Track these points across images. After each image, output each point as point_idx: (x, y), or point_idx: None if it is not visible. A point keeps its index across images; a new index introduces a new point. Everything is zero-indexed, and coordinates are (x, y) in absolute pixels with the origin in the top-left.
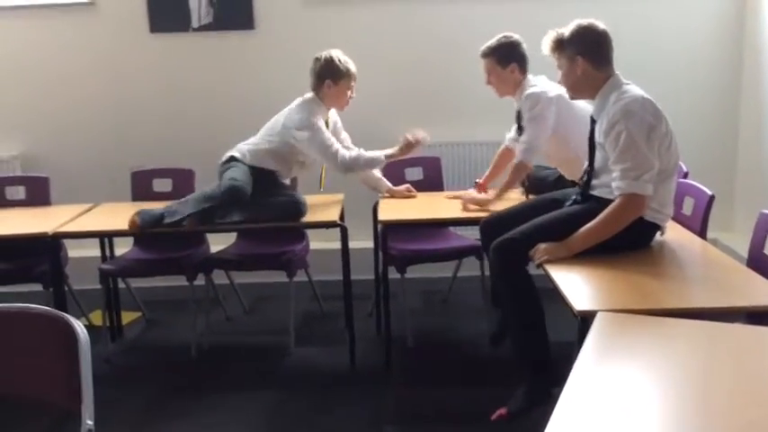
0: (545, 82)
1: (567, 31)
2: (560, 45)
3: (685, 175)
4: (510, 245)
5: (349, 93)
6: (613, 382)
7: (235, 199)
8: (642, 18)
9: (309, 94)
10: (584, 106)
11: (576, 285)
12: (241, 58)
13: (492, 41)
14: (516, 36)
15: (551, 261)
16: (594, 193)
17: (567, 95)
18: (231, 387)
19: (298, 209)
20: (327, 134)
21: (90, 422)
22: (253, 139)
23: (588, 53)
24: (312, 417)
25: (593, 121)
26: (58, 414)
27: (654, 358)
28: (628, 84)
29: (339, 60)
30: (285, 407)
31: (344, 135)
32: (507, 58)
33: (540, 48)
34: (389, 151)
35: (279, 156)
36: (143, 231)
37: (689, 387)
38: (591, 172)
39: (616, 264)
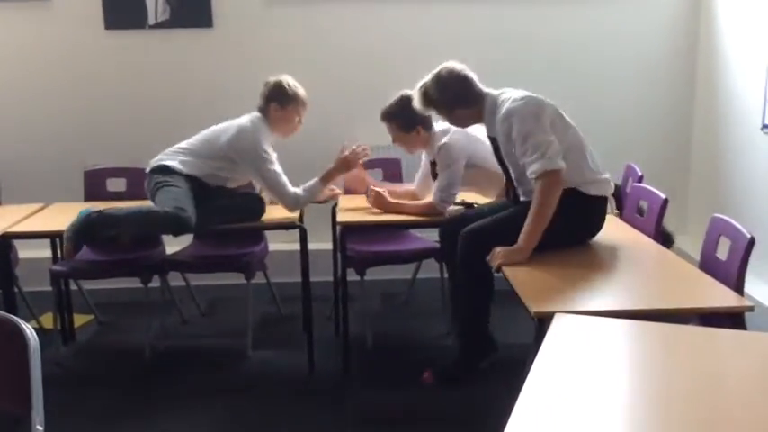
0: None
1: (430, 85)
2: (430, 101)
3: (640, 179)
4: (478, 235)
5: (297, 119)
6: (571, 383)
7: (179, 230)
8: (596, 24)
9: (257, 114)
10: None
11: (533, 287)
12: (198, 57)
13: (391, 104)
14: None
15: (508, 264)
16: (524, 199)
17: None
18: (187, 391)
19: (261, 206)
20: (277, 166)
21: (40, 428)
22: (185, 146)
23: (458, 100)
24: (270, 421)
25: (492, 141)
26: (7, 420)
27: (610, 359)
28: (502, 93)
29: (288, 85)
30: (242, 411)
31: None
32: (411, 122)
33: (508, 49)
34: (325, 172)
35: (218, 176)
36: (78, 249)
37: (645, 387)
38: (513, 185)
39: (572, 265)
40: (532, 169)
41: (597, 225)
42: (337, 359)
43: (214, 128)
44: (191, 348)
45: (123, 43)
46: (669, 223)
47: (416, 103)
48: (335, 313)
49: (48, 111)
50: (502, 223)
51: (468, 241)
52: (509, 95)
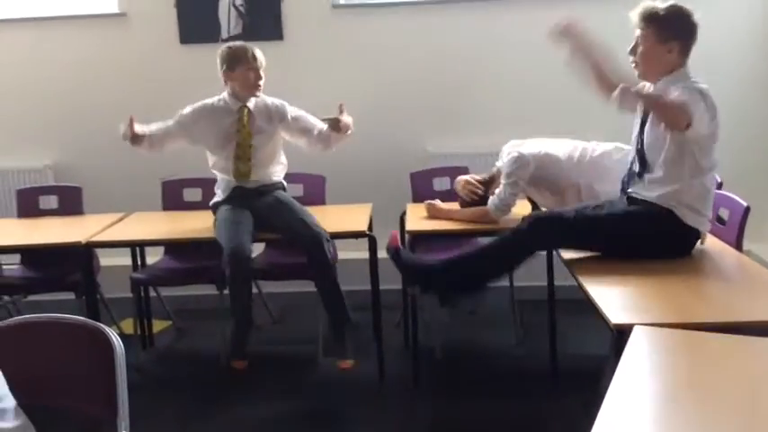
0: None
1: (663, 8)
2: (654, 20)
3: (719, 186)
4: (554, 222)
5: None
6: (654, 399)
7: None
8: None
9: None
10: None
11: (611, 298)
12: (270, 68)
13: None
14: None
15: None
16: (643, 194)
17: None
18: (260, 397)
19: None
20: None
21: (126, 431)
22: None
23: (682, 40)
24: (341, 428)
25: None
26: (88, 424)
27: (695, 374)
28: (694, 80)
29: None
30: (313, 418)
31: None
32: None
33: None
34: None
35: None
36: None
37: (732, 403)
38: (640, 171)
39: (651, 275)
40: (676, 94)
41: (680, 254)
42: (407, 368)
43: None
44: (263, 355)
45: (197, 57)
46: (749, 230)
47: (636, 13)
48: (404, 322)
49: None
50: (585, 220)
51: (539, 225)
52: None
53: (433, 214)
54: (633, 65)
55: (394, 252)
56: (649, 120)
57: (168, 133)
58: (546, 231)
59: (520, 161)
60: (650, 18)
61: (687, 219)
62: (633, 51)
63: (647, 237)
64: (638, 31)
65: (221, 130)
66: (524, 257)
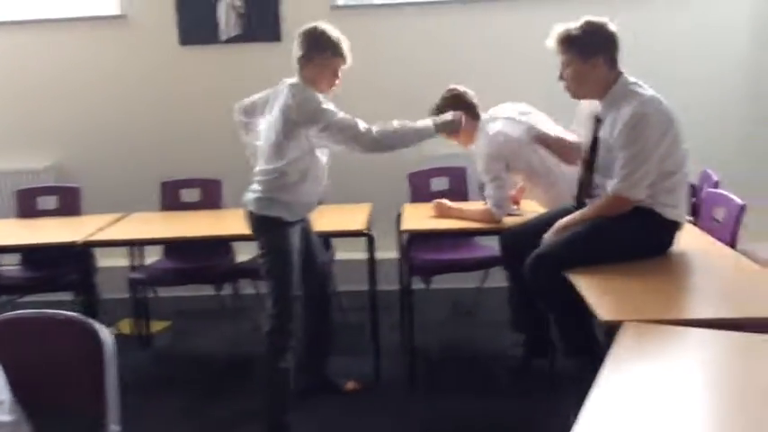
0: (499, 122)
1: (577, 28)
2: (570, 41)
3: (715, 185)
4: (543, 261)
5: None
6: (640, 393)
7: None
8: (670, 21)
9: (292, 82)
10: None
11: (603, 295)
12: (268, 70)
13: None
14: (459, 87)
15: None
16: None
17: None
18: (256, 397)
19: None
20: (341, 113)
21: (116, 427)
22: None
23: (605, 52)
24: (337, 429)
25: (598, 121)
26: (84, 422)
27: (683, 369)
28: (636, 83)
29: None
30: (309, 419)
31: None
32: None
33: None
34: (430, 122)
35: (291, 182)
36: None
37: (720, 398)
38: (590, 175)
39: (643, 273)
40: (612, 185)
41: (665, 248)
42: (403, 369)
43: (264, 130)
44: (261, 355)
45: (197, 58)
46: (748, 229)
47: (552, 40)
48: (401, 322)
49: (125, 124)
50: (564, 246)
51: (538, 269)
52: (648, 92)
53: (441, 213)
54: (567, 89)
55: None
56: (599, 146)
57: None
58: (548, 273)
59: (490, 156)
60: (567, 41)
61: (667, 213)
62: (561, 77)
63: (635, 233)
64: (560, 57)
65: None
66: (555, 293)
